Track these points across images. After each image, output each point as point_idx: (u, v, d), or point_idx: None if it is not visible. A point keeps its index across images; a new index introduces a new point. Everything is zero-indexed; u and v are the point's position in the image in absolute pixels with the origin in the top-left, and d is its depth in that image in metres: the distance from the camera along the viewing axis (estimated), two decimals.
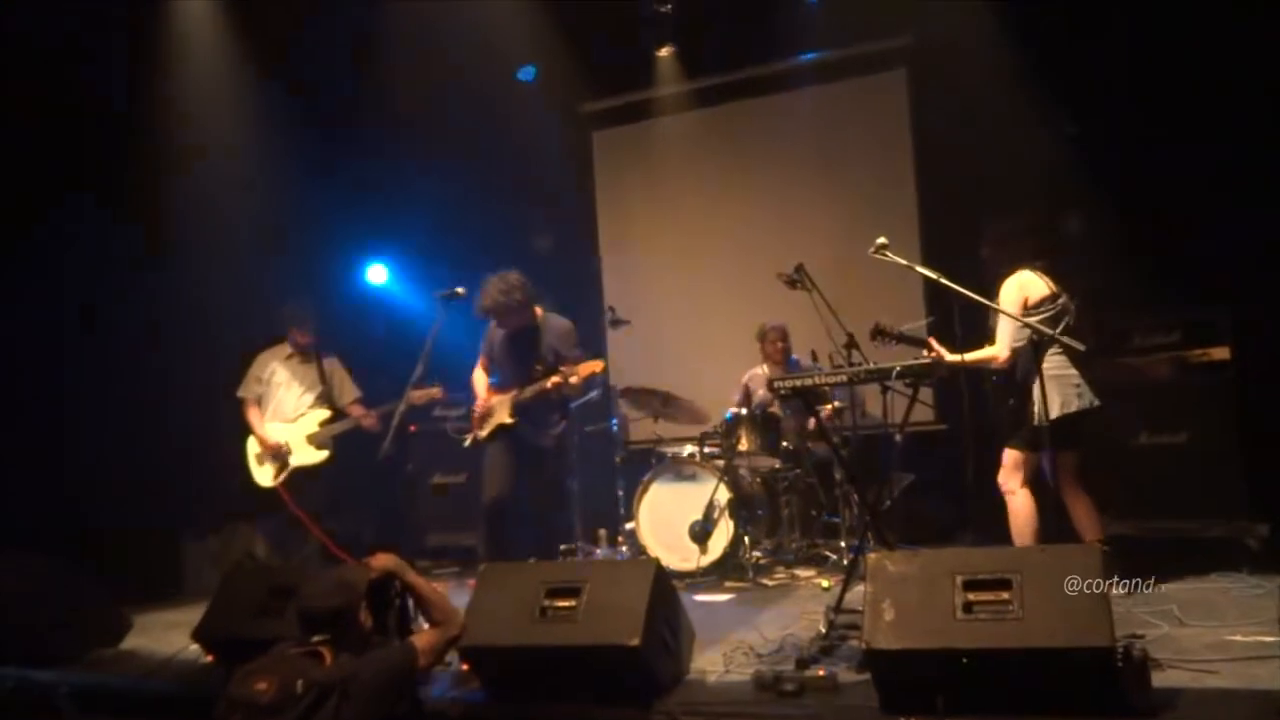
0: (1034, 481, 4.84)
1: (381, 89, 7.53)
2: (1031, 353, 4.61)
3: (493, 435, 5.77)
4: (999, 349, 4.83)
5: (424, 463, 7.73)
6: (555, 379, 5.46)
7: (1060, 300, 4.88)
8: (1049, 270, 4.95)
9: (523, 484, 5.68)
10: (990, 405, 5.07)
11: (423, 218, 8.21)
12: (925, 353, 4.68)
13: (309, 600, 3.45)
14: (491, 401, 5.83)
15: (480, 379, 5.98)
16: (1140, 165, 6.11)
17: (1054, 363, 4.75)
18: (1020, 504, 4.81)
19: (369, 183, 8.11)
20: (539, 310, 5.80)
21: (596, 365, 5.49)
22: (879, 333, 4.83)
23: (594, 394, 7.10)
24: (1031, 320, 4.57)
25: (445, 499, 7.63)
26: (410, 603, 3.78)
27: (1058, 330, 4.51)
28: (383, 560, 3.75)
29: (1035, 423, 4.63)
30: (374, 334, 8.09)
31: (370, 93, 7.62)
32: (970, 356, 4.77)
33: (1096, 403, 4.84)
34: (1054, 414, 4.68)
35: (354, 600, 3.48)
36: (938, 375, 4.63)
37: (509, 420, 5.70)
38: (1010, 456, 4.87)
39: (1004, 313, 4.67)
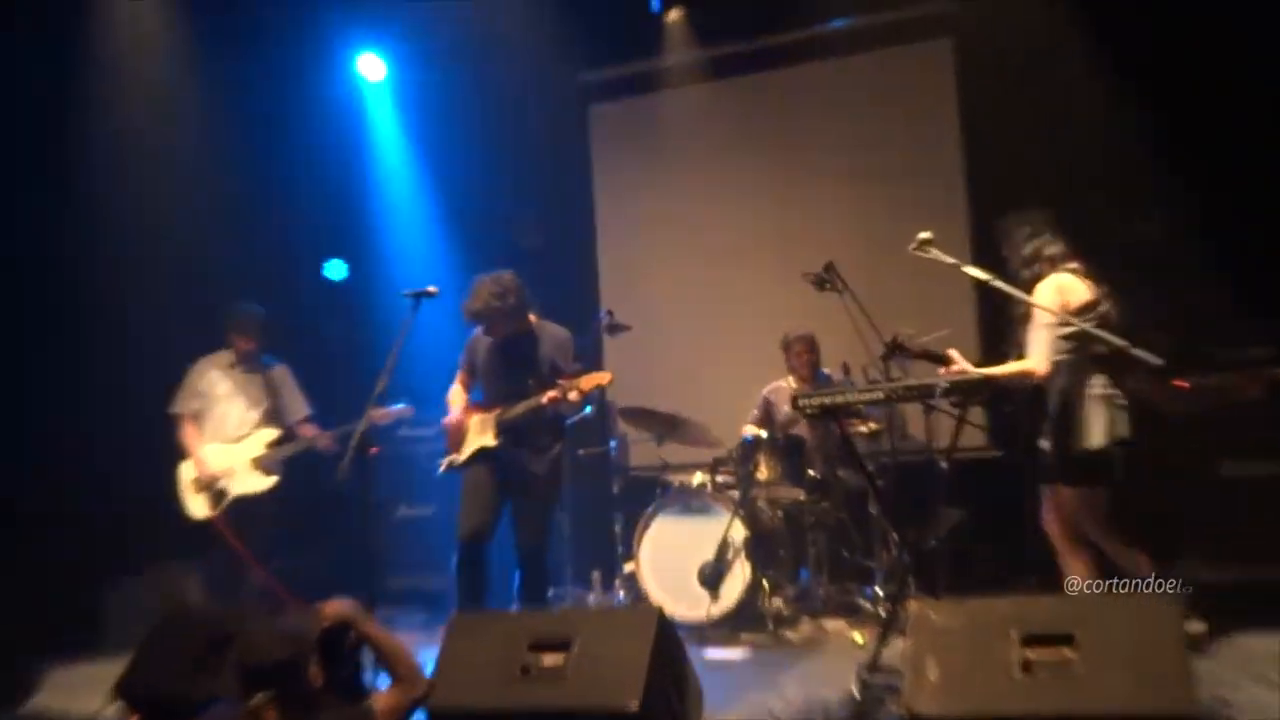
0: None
1: (339, 50, 7.57)
2: (1075, 368, 4.61)
3: (472, 459, 5.76)
4: (1036, 362, 4.69)
5: (388, 492, 7.72)
6: (552, 393, 5.45)
7: (1101, 308, 4.79)
8: (1087, 273, 4.90)
9: (506, 517, 5.66)
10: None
11: (389, 206, 8.22)
12: (942, 369, 4.66)
13: (249, 653, 3.43)
14: (469, 420, 5.81)
15: (457, 395, 5.98)
16: (1224, 155, 6.08)
17: (1098, 380, 4.73)
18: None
19: (326, 164, 8.11)
20: (534, 317, 5.81)
21: (602, 377, 5.49)
22: (896, 349, 4.81)
23: (588, 411, 7.09)
24: (1088, 327, 4.52)
25: (412, 534, 7.62)
26: (368, 657, 3.76)
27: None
28: (336, 607, 3.74)
29: (1085, 447, 4.63)
30: (332, 340, 8.09)
31: (325, 54, 7.65)
32: (1003, 370, 4.72)
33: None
34: (1097, 442, 4.65)
35: (302, 653, 3.46)
36: (990, 393, 4.61)
37: (492, 442, 5.69)
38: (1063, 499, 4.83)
39: (1071, 320, 4.60)
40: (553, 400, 5.47)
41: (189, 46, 7.38)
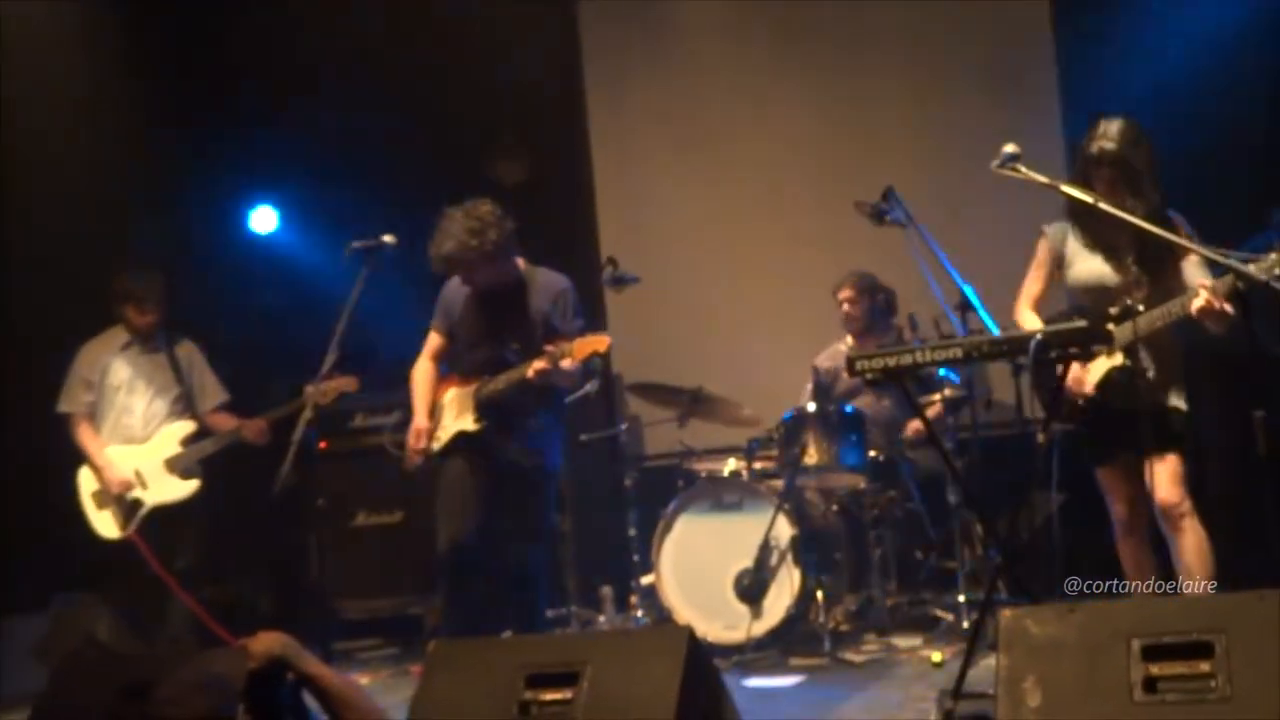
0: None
1: None
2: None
3: (449, 449, 5.77)
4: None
5: (341, 496, 7.74)
6: (540, 363, 5.40)
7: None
8: None
9: (496, 521, 5.68)
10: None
11: (329, 136, 8.21)
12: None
13: (159, 708, 3.44)
14: (443, 398, 5.81)
15: (422, 381, 5.91)
16: None
17: None
18: (1200, 532, 4.83)
19: (248, 88, 8.11)
20: (522, 262, 5.79)
21: (600, 342, 5.44)
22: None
23: (590, 387, 7.10)
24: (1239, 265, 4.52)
25: (375, 548, 7.67)
26: (309, 702, 3.79)
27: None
28: (267, 643, 3.76)
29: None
30: (260, 311, 8.11)
31: None
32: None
33: None
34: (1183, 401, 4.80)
35: (226, 703, 3.48)
36: (1103, 344, 4.61)
37: (472, 426, 5.69)
38: (1176, 465, 4.87)
39: (1217, 257, 4.57)
40: (540, 372, 5.41)
41: None
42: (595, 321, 7.61)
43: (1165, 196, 4.87)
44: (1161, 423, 4.79)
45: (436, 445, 5.79)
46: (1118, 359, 4.73)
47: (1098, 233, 4.89)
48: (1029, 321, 5.04)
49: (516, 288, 5.73)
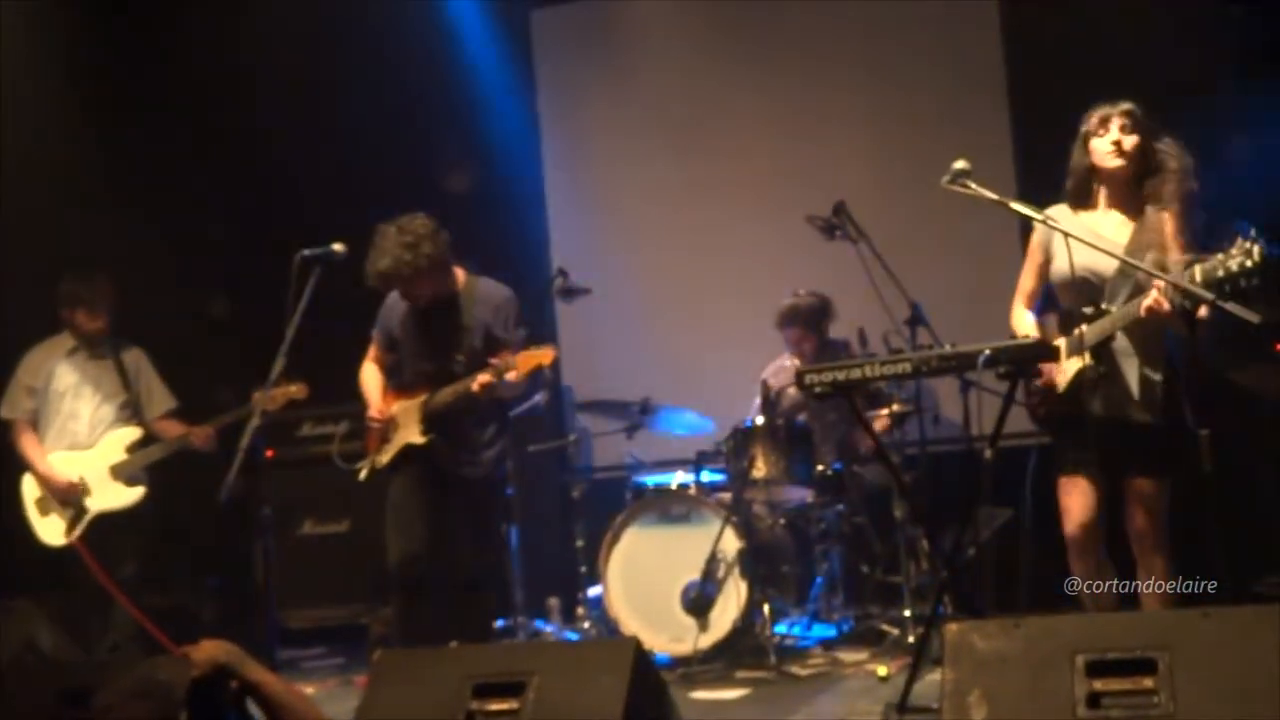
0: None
1: None
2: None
3: (396, 462, 5.76)
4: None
5: (287, 504, 7.70)
6: (484, 377, 5.42)
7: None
8: None
9: (445, 533, 5.67)
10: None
11: (275, 140, 8.17)
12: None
13: (104, 714, 3.41)
14: (393, 410, 5.80)
15: (372, 377, 5.95)
16: None
17: None
18: (1163, 568, 4.72)
19: (188, 90, 8.06)
20: (461, 274, 5.78)
21: (544, 355, 5.46)
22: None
23: (538, 398, 7.10)
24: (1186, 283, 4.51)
25: (321, 557, 7.64)
26: (253, 711, 3.77)
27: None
28: (209, 650, 3.73)
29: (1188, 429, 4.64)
30: (207, 317, 8.05)
31: None
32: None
33: None
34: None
35: (168, 711, 3.45)
36: (1049, 361, 4.64)
37: (419, 439, 5.68)
38: (1151, 490, 4.74)
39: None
40: (485, 386, 5.43)
41: None
42: (545, 331, 7.63)
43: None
44: (1138, 440, 4.66)
45: (383, 459, 5.77)
46: (1086, 358, 4.61)
47: (1091, 218, 4.75)
48: (1020, 320, 4.94)
49: (456, 299, 5.73)
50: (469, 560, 5.70)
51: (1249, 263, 4.09)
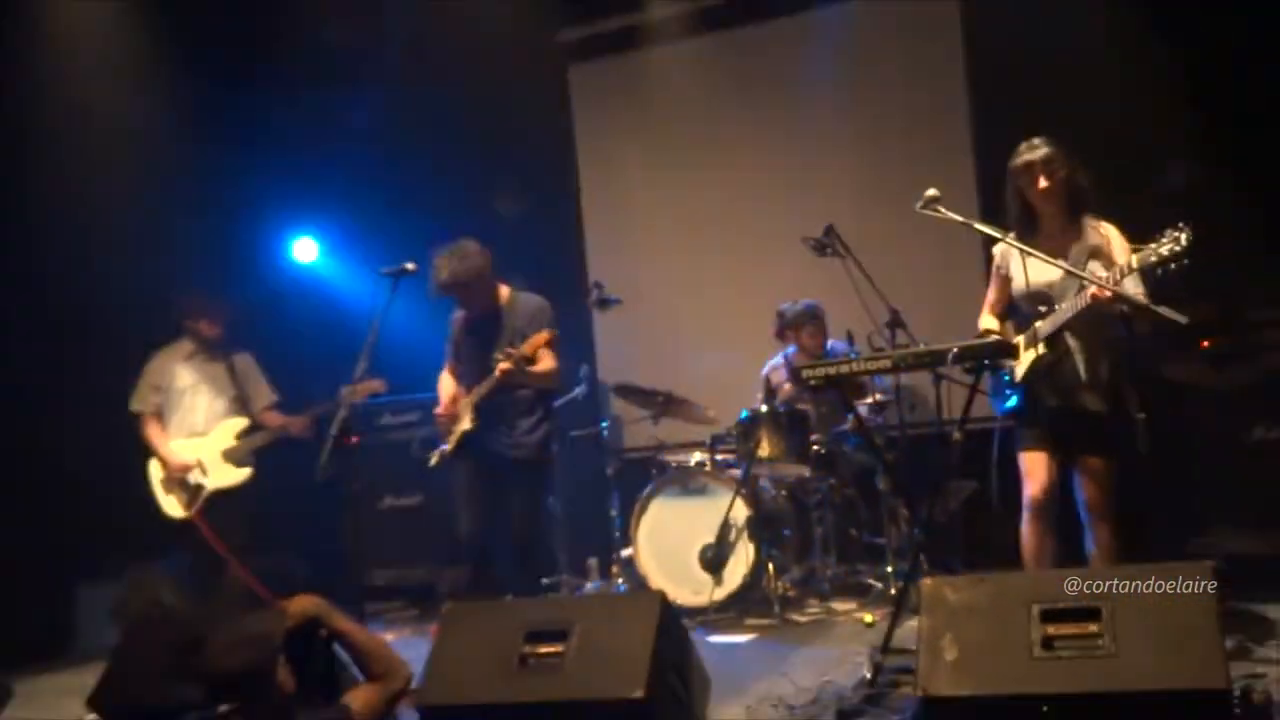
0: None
1: (305, 18, 7.51)
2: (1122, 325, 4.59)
3: (458, 449, 5.76)
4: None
5: (371, 482, 7.72)
6: (503, 364, 5.47)
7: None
8: None
9: (499, 508, 5.68)
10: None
11: (361, 179, 8.19)
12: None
13: (212, 660, 3.40)
14: (458, 405, 5.82)
15: (445, 383, 5.97)
16: (1261, 91, 6.06)
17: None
18: (1109, 539, 4.67)
19: (292, 136, 8.08)
20: (505, 290, 5.81)
21: (543, 336, 5.52)
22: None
23: (579, 392, 7.11)
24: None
25: (400, 526, 7.65)
26: (340, 655, 3.76)
27: None
28: (302, 604, 3.73)
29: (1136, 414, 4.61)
30: (302, 326, 8.07)
31: (289, 23, 7.58)
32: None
33: None
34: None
35: (268, 657, 3.44)
36: (1008, 358, 4.61)
37: (469, 425, 5.70)
38: (1099, 467, 4.68)
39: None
40: (505, 371, 5.47)
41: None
42: (585, 336, 7.65)
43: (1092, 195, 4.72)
44: (1088, 424, 4.62)
45: (449, 448, 5.79)
46: (1040, 348, 4.60)
47: (1035, 243, 4.64)
48: (985, 323, 4.93)
49: (499, 311, 5.77)
50: (520, 530, 5.69)
51: (1178, 248, 4.10)
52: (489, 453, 5.69)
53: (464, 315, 5.87)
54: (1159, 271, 4.20)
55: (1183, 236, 4.10)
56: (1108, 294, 4.30)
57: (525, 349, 5.48)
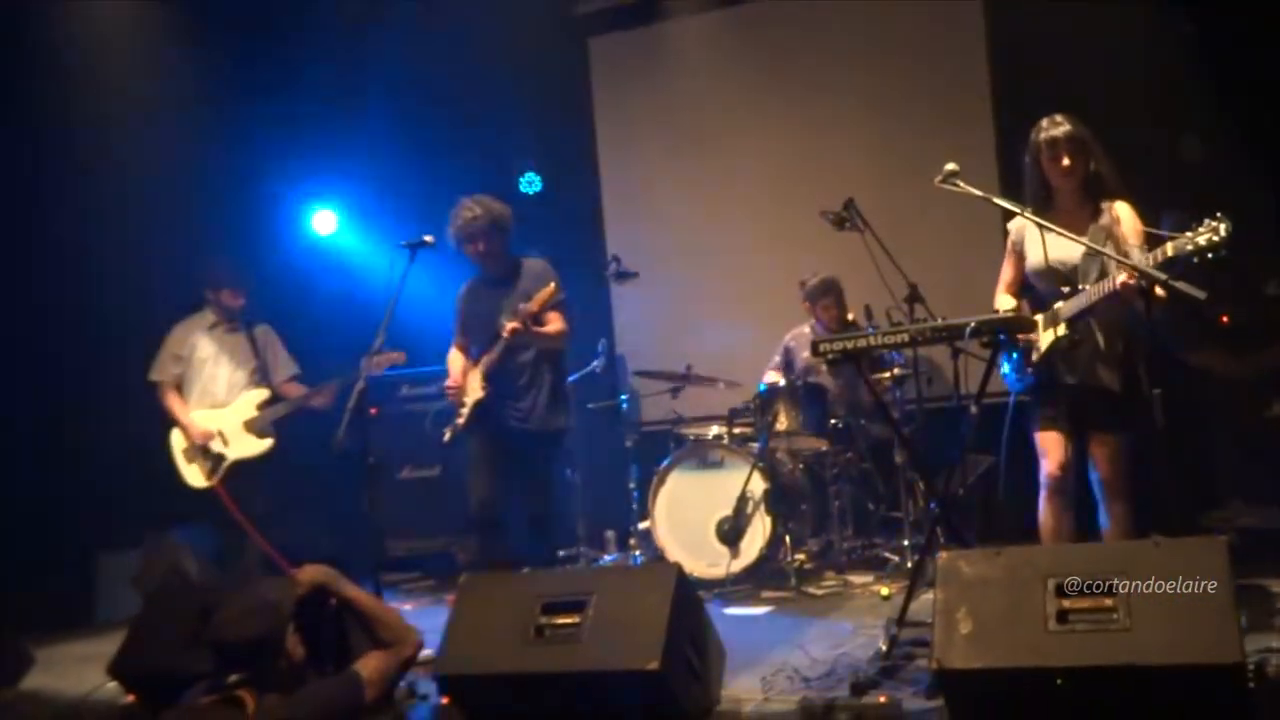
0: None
1: None
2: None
3: (471, 421, 5.75)
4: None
5: (388, 453, 7.75)
6: (512, 324, 5.45)
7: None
8: None
9: (511, 479, 5.69)
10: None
11: (380, 151, 8.19)
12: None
13: (222, 630, 3.41)
14: (467, 376, 5.82)
15: (454, 357, 5.94)
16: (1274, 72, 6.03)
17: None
18: (1126, 515, 4.64)
19: (311, 109, 8.08)
20: (518, 260, 5.81)
21: (548, 291, 5.49)
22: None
23: (597, 364, 7.12)
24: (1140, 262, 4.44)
25: (417, 497, 7.69)
26: (348, 624, 3.78)
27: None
28: (311, 573, 3.75)
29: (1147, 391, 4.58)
30: (322, 297, 8.10)
31: None
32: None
33: None
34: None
35: (278, 626, 3.45)
36: (1026, 332, 4.59)
37: (480, 393, 5.68)
38: (1114, 445, 4.65)
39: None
40: (514, 330, 5.45)
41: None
42: (603, 309, 7.65)
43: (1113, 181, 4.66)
44: (1104, 401, 4.59)
45: (461, 421, 5.76)
46: (1061, 329, 4.57)
47: (1052, 219, 4.58)
48: (1001, 301, 4.89)
49: (508, 277, 5.75)
50: (534, 502, 5.69)
51: (1216, 238, 4.06)
52: (501, 425, 5.69)
53: (470, 286, 5.84)
54: (1194, 260, 4.15)
55: (1222, 227, 4.04)
56: (1135, 282, 4.25)
57: (532, 305, 5.47)
